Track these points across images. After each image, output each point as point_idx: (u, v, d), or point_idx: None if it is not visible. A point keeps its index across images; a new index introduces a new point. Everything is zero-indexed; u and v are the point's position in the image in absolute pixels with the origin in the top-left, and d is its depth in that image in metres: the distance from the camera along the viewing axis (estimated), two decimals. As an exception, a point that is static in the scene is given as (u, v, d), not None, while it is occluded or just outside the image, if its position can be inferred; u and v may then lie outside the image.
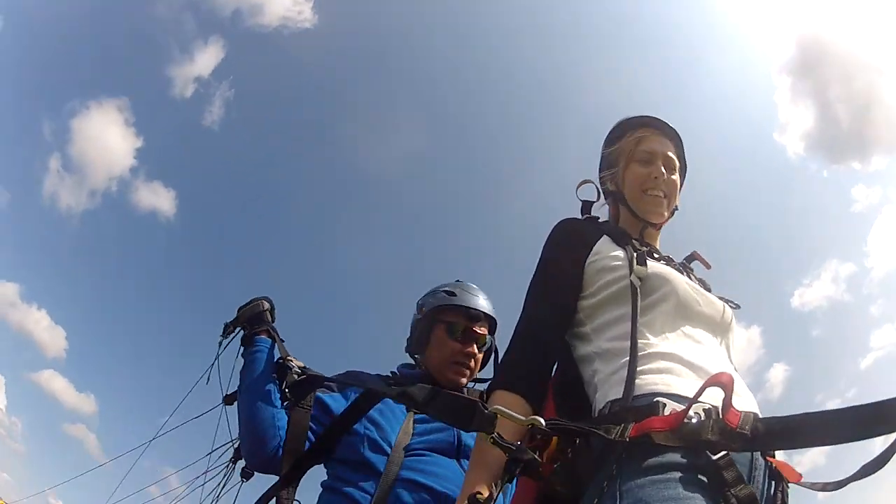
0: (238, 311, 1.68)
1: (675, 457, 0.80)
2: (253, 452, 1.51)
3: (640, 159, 1.27)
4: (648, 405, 0.87)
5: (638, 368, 0.94)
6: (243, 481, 1.63)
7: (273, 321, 1.69)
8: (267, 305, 1.69)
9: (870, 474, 0.83)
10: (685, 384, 0.92)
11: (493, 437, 0.85)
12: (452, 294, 1.70)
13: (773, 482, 0.91)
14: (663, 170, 1.25)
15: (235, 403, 1.59)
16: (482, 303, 1.71)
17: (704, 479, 0.79)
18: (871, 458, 0.82)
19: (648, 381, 0.93)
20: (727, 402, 0.80)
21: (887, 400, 0.68)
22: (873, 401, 0.69)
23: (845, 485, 0.91)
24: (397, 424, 1.47)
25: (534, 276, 1.18)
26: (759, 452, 0.89)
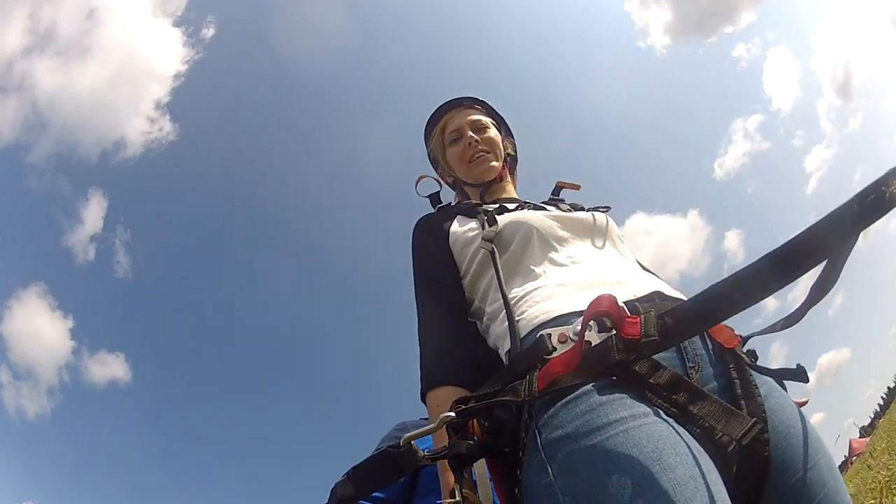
0: None
1: None
2: None
3: (451, 141, 1.40)
4: (535, 342, 0.85)
5: (516, 314, 0.95)
6: None
7: None
8: None
9: (823, 296, 0.79)
10: (565, 302, 0.91)
11: (425, 458, 0.82)
12: None
13: (718, 344, 0.88)
14: (472, 134, 1.37)
15: None
16: None
17: (615, 378, 0.76)
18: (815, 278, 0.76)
19: (528, 318, 0.93)
20: (618, 317, 0.76)
21: (797, 236, 0.62)
22: (783, 242, 0.63)
23: (803, 314, 0.86)
24: None
25: (415, 281, 1.20)
26: None
